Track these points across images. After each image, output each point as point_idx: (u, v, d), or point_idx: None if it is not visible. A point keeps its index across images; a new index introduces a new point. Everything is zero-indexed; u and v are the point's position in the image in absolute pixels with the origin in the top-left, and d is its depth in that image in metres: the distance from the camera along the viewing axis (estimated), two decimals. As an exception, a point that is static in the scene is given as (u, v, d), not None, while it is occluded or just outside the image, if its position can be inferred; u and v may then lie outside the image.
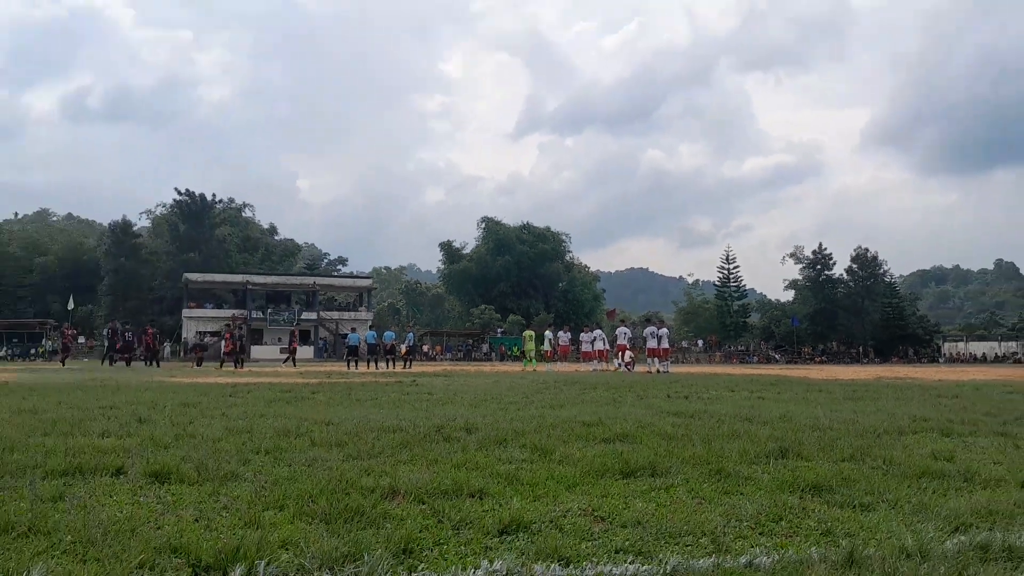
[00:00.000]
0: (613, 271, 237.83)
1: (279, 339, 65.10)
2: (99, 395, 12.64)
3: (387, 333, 39.74)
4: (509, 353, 68.47)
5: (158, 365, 36.36)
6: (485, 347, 72.19)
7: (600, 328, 38.42)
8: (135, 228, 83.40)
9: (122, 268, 76.83)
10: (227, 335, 36.06)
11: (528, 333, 37.90)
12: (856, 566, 3.35)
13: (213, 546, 3.35)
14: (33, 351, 58.36)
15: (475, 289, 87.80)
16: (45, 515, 3.87)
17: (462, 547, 3.57)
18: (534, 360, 35.58)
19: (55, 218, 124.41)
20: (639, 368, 31.97)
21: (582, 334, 35.83)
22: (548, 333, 38.42)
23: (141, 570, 3.10)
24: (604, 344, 33.94)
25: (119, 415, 8.99)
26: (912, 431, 8.10)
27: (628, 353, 33.34)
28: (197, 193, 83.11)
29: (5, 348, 59.51)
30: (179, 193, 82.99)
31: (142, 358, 38.12)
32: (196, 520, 3.94)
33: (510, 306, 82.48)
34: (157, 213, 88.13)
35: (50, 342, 58.98)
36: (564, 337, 37.18)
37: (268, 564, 3.14)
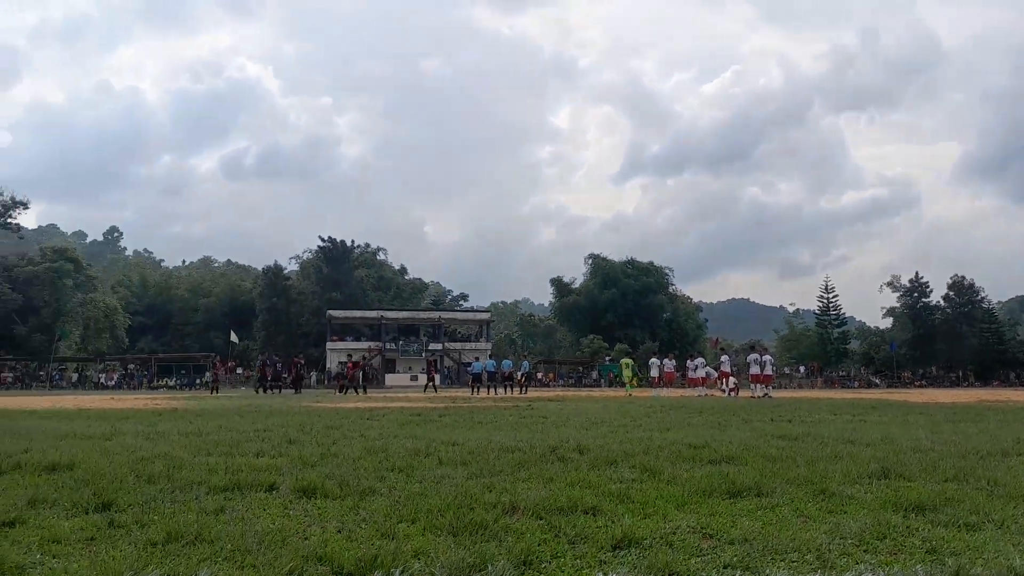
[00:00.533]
0: (715, 302, 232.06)
1: (409, 368, 66.44)
2: (254, 419, 13.12)
3: (505, 362, 40.10)
4: (617, 379, 67.97)
5: (299, 391, 37.65)
6: (594, 374, 71.64)
7: (702, 356, 37.85)
8: (285, 271, 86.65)
9: (274, 307, 79.84)
10: (349, 364, 37.53)
11: (625, 361, 37.74)
12: (964, 585, 3.15)
13: (354, 555, 3.41)
14: (197, 381, 61.02)
15: (584, 320, 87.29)
16: (209, 526, 4.02)
17: (578, 560, 3.53)
18: (631, 385, 35.21)
19: (216, 264, 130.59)
20: (743, 393, 31.19)
21: (688, 361, 35.30)
22: (655, 360, 37.93)
23: (291, 576, 3.19)
24: (707, 371, 33.44)
25: (271, 437, 9.30)
26: (1016, 453, 7.57)
27: (731, 379, 32.65)
28: (338, 240, 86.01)
29: (174, 379, 62.50)
30: (323, 240, 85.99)
31: (291, 386, 39.52)
32: (339, 531, 4.02)
33: (617, 335, 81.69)
34: (304, 258, 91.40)
35: (211, 373, 61.60)
36: (670, 364, 36.65)
37: (402, 572, 3.18)
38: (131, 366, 66.07)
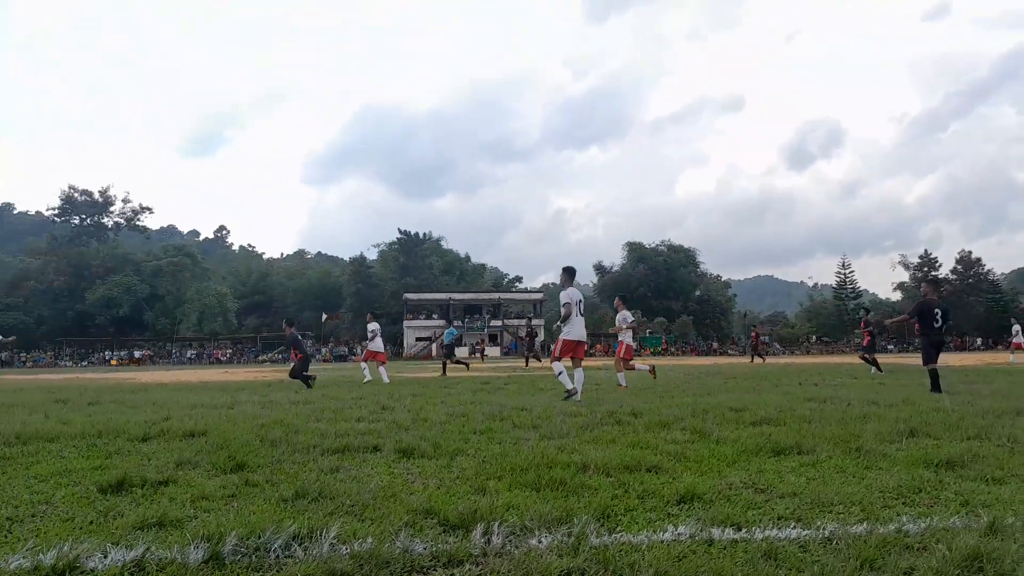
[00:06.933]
0: (742, 279, 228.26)
1: (475, 344, 66.95)
2: (350, 389, 13.36)
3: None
4: (656, 351, 67.50)
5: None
6: (635, 344, 70.89)
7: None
8: (368, 261, 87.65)
9: (359, 292, 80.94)
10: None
11: None
12: (999, 533, 3.06)
13: (456, 509, 3.45)
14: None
15: (619, 293, 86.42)
16: (329, 484, 4.09)
17: (649, 513, 3.51)
18: None
19: (309, 255, 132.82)
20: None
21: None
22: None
23: (407, 528, 3.24)
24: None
25: (367, 404, 9.45)
26: (1030, 412, 7.30)
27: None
28: (412, 232, 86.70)
29: (278, 352, 63.87)
30: (400, 232, 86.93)
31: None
32: (438, 488, 4.06)
33: (655, 307, 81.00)
34: (383, 248, 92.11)
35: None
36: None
37: (500, 525, 3.21)
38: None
